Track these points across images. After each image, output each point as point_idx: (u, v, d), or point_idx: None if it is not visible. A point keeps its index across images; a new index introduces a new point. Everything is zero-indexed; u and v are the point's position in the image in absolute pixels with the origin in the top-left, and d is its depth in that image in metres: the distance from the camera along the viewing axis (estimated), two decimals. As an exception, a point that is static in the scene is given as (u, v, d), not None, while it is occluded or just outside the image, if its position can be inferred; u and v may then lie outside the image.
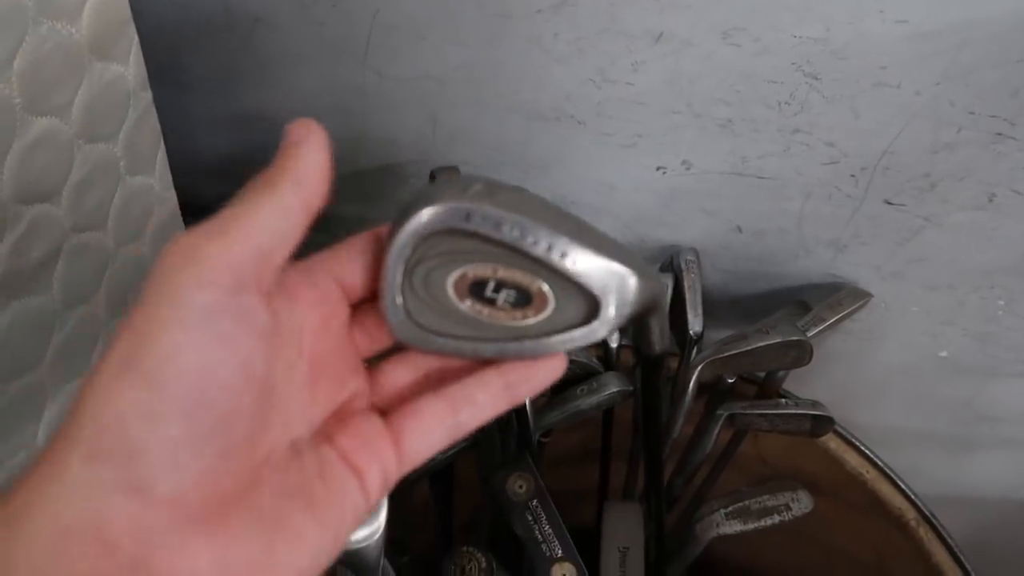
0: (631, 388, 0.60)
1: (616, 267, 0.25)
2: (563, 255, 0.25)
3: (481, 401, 0.25)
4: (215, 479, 0.20)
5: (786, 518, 0.55)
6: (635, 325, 0.29)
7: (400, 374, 0.26)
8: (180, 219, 0.56)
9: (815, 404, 0.57)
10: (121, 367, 0.20)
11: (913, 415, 0.72)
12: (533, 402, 0.58)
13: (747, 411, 0.58)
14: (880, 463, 0.60)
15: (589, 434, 0.76)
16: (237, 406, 0.21)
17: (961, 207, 0.54)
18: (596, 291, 0.25)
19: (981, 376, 0.66)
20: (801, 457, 0.65)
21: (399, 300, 0.25)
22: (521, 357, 0.26)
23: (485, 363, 0.27)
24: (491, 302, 0.26)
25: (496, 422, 0.57)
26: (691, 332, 0.61)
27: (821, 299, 0.61)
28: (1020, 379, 0.65)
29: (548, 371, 0.26)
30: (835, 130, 0.52)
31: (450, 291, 0.25)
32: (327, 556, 0.22)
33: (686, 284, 0.61)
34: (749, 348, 0.55)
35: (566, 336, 0.26)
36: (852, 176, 0.54)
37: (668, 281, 0.62)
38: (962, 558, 0.55)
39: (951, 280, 0.59)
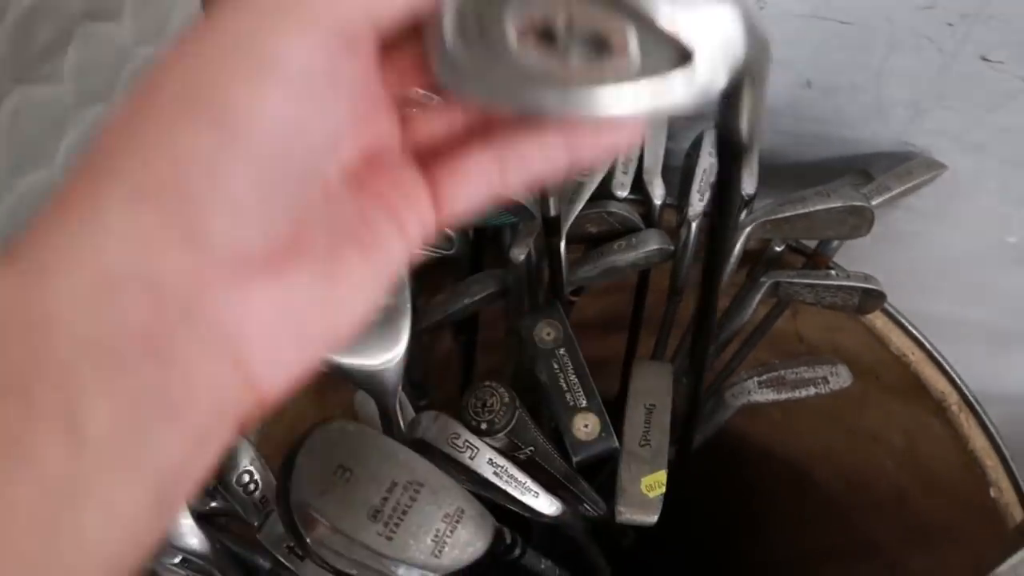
0: (671, 248, 0.57)
1: (721, 9, 0.20)
2: None
3: (533, 156, 0.22)
4: (277, 231, 0.18)
5: (823, 391, 0.53)
6: (724, 100, 0.23)
7: (439, 122, 0.22)
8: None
9: (867, 277, 0.53)
10: (181, 104, 0.17)
11: (966, 305, 0.68)
12: (567, 253, 0.55)
13: (794, 280, 0.54)
14: (928, 345, 0.57)
15: (617, 301, 0.73)
16: (316, 168, 0.19)
17: (1068, 68, 0.48)
18: (687, 40, 0.19)
19: (1048, 267, 0.62)
20: (841, 335, 0.62)
21: (448, 39, 0.20)
22: (590, 116, 0.20)
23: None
24: (563, 51, 0.20)
25: (527, 271, 0.55)
26: (744, 193, 0.56)
27: (888, 170, 0.56)
28: (1091, 272, 0.60)
29: (618, 135, 0.22)
30: (938, -35, 0.45)
31: (511, 36, 0.20)
32: (376, 300, 0.21)
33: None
34: (806, 211, 0.51)
35: (649, 95, 0.20)
36: (949, 25, 0.48)
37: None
38: (1001, 445, 0.53)
39: (1037, 156, 0.54)
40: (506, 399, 0.37)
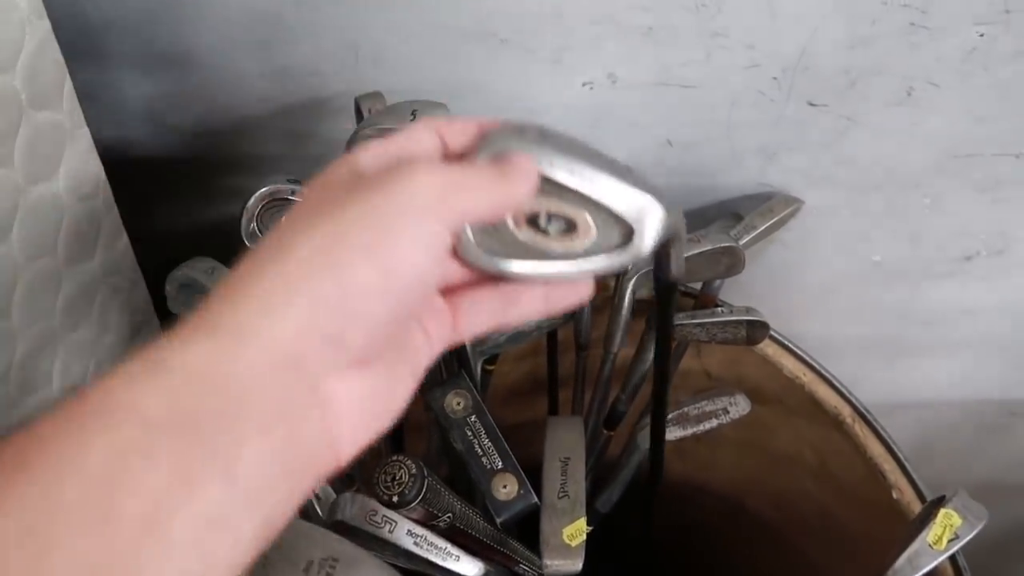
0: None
1: (648, 199, 0.29)
2: (606, 186, 0.29)
3: (524, 303, 0.30)
4: (379, 340, 0.25)
5: (724, 421, 0.56)
6: (657, 254, 0.33)
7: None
8: (96, 157, 0.54)
9: (749, 310, 0.58)
10: (358, 251, 0.24)
11: (850, 323, 0.73)
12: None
13: (684, 322, 0.58)
14: (816, 365, 0.61)
15: (535, 365, 0.76)
16: (417, 301, 0.27)
17: (882, 103, 0.54)
18: (630, 218, 0.30)
19: (914, 279, 0.67)
20: (743, 367, 0.66)
21: (468, 231, 0.29)
22: (566, 279, 0.31)
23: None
24: (544, 231, 0.30)
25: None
26: (626, 248, 0.61)
27: (754, 210, 0.62)
28: (950, 279, 0.66)
29: (578, 291, 0.31)
30: (753, 31, 0.51)
31: (509, 221, 0.30)
32: (411, 391, 0.28)
33: (619, 201, 0.61)
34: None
35: (606, 259, 0.30)
36: (774, 78, 0.54)
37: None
38: (895, 448, 0.57)
39: (878, 181, 0.60)
40: (413, 470, 0.40)
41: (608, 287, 0.64)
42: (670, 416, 0.56)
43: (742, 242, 0.58)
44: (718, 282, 0.62)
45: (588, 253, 0.30)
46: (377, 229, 0.25)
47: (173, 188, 0.72)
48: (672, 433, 0.56)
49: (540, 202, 0.29)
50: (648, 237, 0.30)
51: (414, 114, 0.48)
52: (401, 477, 0.39)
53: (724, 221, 0.63)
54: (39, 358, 0.52)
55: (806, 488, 0.68)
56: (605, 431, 0.64)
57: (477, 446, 0.50)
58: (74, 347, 0.56)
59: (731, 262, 0.57)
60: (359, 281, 0.24)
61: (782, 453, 0.69)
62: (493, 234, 0.30)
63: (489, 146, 0.29)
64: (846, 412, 0.59)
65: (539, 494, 0.51)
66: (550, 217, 0.30)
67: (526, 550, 0.55)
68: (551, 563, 0.49)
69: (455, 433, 0.50)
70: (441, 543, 0.44)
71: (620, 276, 0.62)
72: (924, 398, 0.79)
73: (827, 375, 0.61)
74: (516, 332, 0.59)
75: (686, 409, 0.57)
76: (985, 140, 0.55)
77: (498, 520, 0.49)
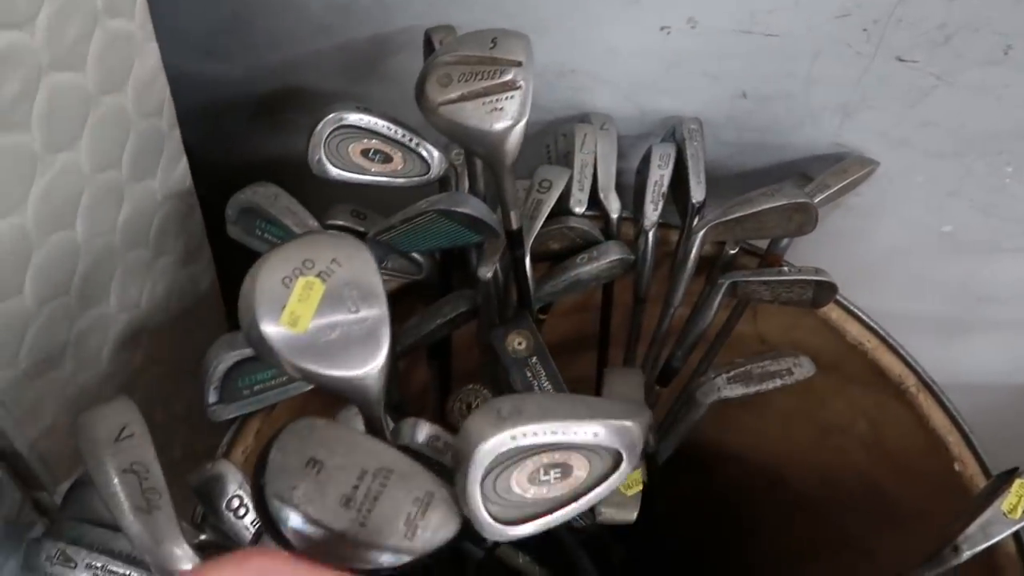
0: (632, 258, 0.59)
1: (627, 424, 0.34)
2: (587, 432, 0.33)
3: None
4: None
5: (788, 381, 0.55)
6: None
7: None
8: (163, 74, 0.53)
9: (818, 271, 0.56)
10: None
11: (911, 297, 0.71)
12: (533, 271, 0.57)
13: (750, 279, 0.57)
14: (881, 332, 0.59)
15: (583, 320, 0.75)
16: None
17: (975, 62, 0.52)
18: (617, 446, 0.34)
19: (983, 252, 0.65)
20: (800, 332, 0.64)
21: (484, 513, 0.33)
22: (581, 511, 0.35)
23: None
24: (546, 483, 0.34)
25: (495, 288, 0.57)
26: (693, 201, 0.59)
27: (824, 172, 0.60)
28: (1021, 254, 0.64)
29: None
30: (849, -24, 0.49)
31: (515, 488, 0.34)
32: None
33: (688, 152, 0.60)
34: (754, 211, 0.54)
35: (607, 484, 0.35)
36: (864, 30, 0.52)
37: (671, 151, 0.61)
38: (960, 420, 0.56)
39: (958, 146, 0.58)
40: (489, 397, 0.39)
41: (669, 242, 0.63)
42: (732, 372, 0.55)
43: (815, 200, 0.56)
44: (785, 241, 0.60)
45: (587, 487, 0.35)
46: None
47: (232, 117, 0.71)
48: (733, 391, 0.55)
49: (533, 462, 0.33)
50: (635, 455, 0.34)
51: (494, 42, 0.46)
52: (477, 405, 0.38)
53: (793, 180, 0.61)
54: (99, 273, 0.52)
55: (856, 461, 0.67)
56: (657, 387, 0.63)
57: (536, 387, 0.49)
58: (131, 267, 0.56)
59: (803, 219, 0.55)
60: None
61: (833, 424, 0.68)
62: (505, 503, 0.34)
63: (467, 445, 0.32)
64: (910, 381, 0.58)
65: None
66: (548, 470, 0.34)
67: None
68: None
69: (515, 373, 0.50)
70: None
71: (685, 228, 0.61)
72: (980, 380, 0.77)
73: (892, 342, 0.59)
74: (574, 280, 0.58)
75: (748, 367, 0.55)
76: (1080, 106, 0.53)
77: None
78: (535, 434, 0.32)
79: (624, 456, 0.34)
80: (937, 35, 0.51)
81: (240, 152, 0.77)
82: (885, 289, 0.71)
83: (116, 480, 0.37)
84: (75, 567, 0.43)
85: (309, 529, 0.32)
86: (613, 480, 0.35)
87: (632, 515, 0.48)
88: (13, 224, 0.42)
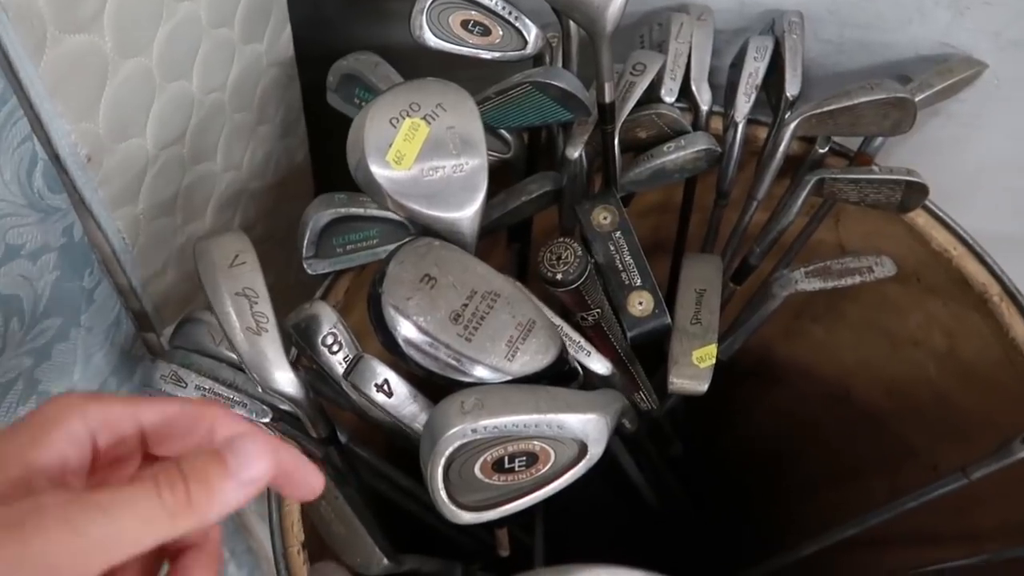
0: (719, 150, 0.59)
1: (589, 417, 0.36)
2: (548, 425, 0.35)
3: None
4: None
5: (867, 279, 0.55)
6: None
7: None
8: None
9: (910, 171, 0.55)
10: None
11: (1006, 217, 0.70)
12: (622, 156, 0.57)
13: (838, 176, 0.56)
14: (968, 239, 0.58)
15: (661, 222, 0.76)
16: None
17: (1106, -45, 0.49)
18: (580, 437, 0.36)
19: (1087, 170, 0.63)
20: (882, 240, 0.64)
21: (444, 496, 0.35)
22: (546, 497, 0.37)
23: None
24: (511, 471, 0.36)
25: (581, 168, 0.57)
26: (788, 94, 0.59)
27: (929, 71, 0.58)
28: None
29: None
30: None
31: (479, 475, 0.36)
32: None
33: (787, 45, 0.59)
34: (850, 103, 0.53)
35: (572, 472, 0.37)
36: (989, -84, 0.50)
37: (768, 43, 0.60)
38: (1043, 329, 0.55)
39: (1077, 51, 0.55)
40: (579, 252, 0.40)
41: (757, 139, 0.62)
42: (811, 267, 0.55)
43: (917, 98, 0.55)
44: (878, 142, 0.59)
45: (553, 475, 0.37)
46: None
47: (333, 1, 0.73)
48: (811, 284, 0.55)
49: (500, 449, 0.35)
50: (600, 444, 0.36)
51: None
52: (567, 257, 0.40)
53: (894, 80, 0.60)
54: (209, 129, 0.55)
55: (927, 375, 0.67)
56: (732, 284, 0.64)
57: (619, 261, 0.51)
58: (236, 128, 0.59)
59: (900, 117, 0.54)
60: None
61: (907, 336, 0.68)
62: (470, 490, 0.36)
63: (432, 433, 0.35)
64: (994, 291, 0.57)
65: (672, 321, 0.51)
66: (513, 458, 0.36)
67: (647, 378, 0.56)
68: (677, 381, 0.50)
69: (597, 246, 0.51)
70: (575, 336, 0.46)
71: (776, 122, 0.60)
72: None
73: (979, 249, 0.58)
74: (659, 169, 0.58)
75: (828, 263, 0.55)
76: None
77: (629, 334, 0.50)
78: (496, 428, 0.34)
79: (589, 446, 0.36)
80: (1068, -77, 0.49)
81: (340, 36, 0.78)
82: (980, 205, 0.69)
83: (229, 301, 0.41)
84: (185, 387, 0.47)
85: (419, 338, 0.35)
86: (579, 468, 0.37)
87: (704, 386, 0.49)
88: (141, 64, 0.45)
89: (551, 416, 0.35)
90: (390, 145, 0.38)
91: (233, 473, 0.25)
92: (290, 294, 0.67)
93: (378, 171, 0.38)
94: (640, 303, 0.50)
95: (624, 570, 0.36)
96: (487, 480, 0.36)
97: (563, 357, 0.39)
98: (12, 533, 0.22)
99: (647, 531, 0.79)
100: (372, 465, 0.55)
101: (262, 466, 0.25)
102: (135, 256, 0.52)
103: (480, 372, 0.37)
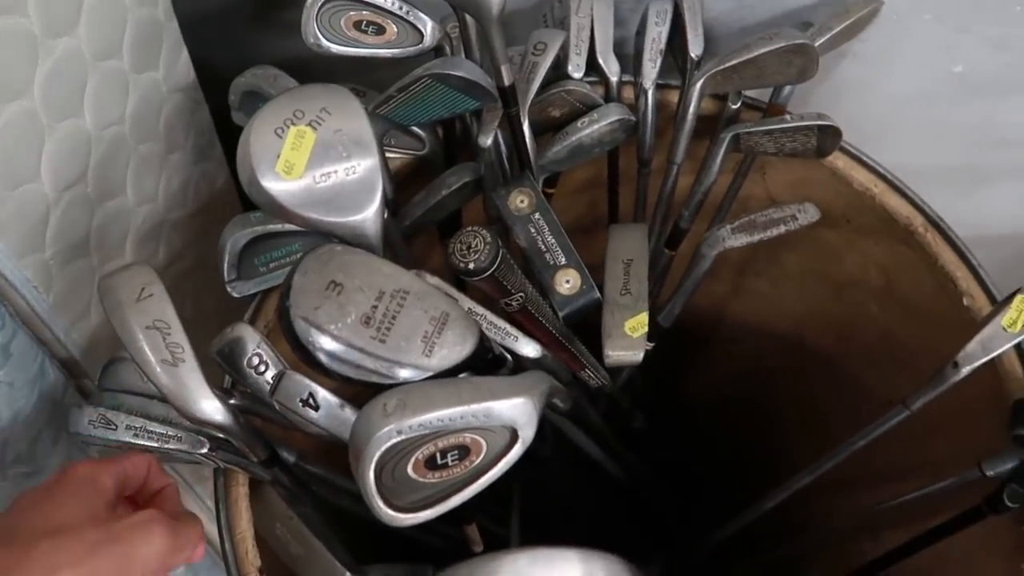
0: (633, 119, 0.59)
1: (515, 402, 0.36)
2: (475, 415, 0.35)
3: None
4: None
5: (792, 227, 0.55)
6: None
7: None
8: (153, -40, 0.54)
9: (820, 115, 0.55)
10: None
11: (926, 148, 0.70)
12: (535, 143, 0.57)
13: (752, 129, 0.56)
14: (888, 175, 0.59)
15: (592, 199, 0.76)
16: None
17: None
18: (509, 423, 0.36)
19: (997, 93, 0.64)
20: (809, 187, 0.64)
21: (380, 502, 0.35)
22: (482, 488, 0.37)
23: None
24: (444, 466, 0.36)
25: (497, 154, 0.57)
26: (692, 55, 0.59)
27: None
28: (1037, 91, 0.62)
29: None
30: None
31: (413, 475, 0.35)
32: None
33: (685, 6, 0.59)
34: (752, 55, 0.53)
35: (507, 460, 0.36)
36: None
37: (667, 7, 0.60)
38: (967, 254, 0.55)
39: (967, -24, 0.56)
40: (488, 239, 0.40)
41: (670, 104, 0.62)
42: (736, 223, 0.55)
43: (817, 43, 0.55)
44: (787, 90, 0.60)
45: (488, 465, 0.36)
46: None
47: (233, 21, 0.71)
48: (738, 239, 0.55)
49: (430, 446, 0.35)
50: (530, 427, 0.36)
51: None
52: (476, 245, 0.39)
53: (795, 28, 0.60)
54: (113, 164, 0.54)
55: (870, 313, 0.68)
56: (667, 250, 0.64)
57: (541, 242, 0.50)
58: (144, 160, 0.57)
59: (804, 63, 0.55)
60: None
61: (847, 278, 0.68)
62: (406, 491, 0.35)
63: (358, 438, 0.35)
64: (918, 222, 0.57)
65: (602, 295, 0.51)
66: (444, 453, 0.35)
67: (591, 354, 0.56)
68: (612, 353, 0.50)
69: (518, 230, 0.51)
70: (500, 323, 0.45)
71: (684, 84, 0.60)
72: (1004, 232, 0.76)
73: (899, 184, 0.59)
74: (576, 145, 0.58)
75: (753, 217, 0.55)
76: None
77: (560, 314, 0.50)
78: (421, 425, 0.34)
79: (519, 430, 0.36)
80: None
81: (246, 56, 0.77)
82: (897, 141, 0.69)
83: (141, 336, 0.40)
84: (116, 429, 0.46)
85: (332, 346, 0.34)
86: (512, 455, 0.36)
87: (639, 356, 0.49)
88: (23, 107, 0.44)
89: (476, 406, 0.35)
90: (278, 156, 0.37)
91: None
92: (233, 318, 0.66)
93: (270, 184, 0.37)
94: (567, 281, 0.50)
95: (549, 549, 0.36)
96: (421, 479, 0.36)
97: (484, 345, 0.39)
98: (141, 535, 0.38)
99: (620, 509, 0.79)
100: (327, 480, 0.55)
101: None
102: (52, 304, 0.51)
103: (400, 372, 0.36)
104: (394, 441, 0.34)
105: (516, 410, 0.36)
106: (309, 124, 0.38)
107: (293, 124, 0.38)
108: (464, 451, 0.36)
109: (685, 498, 0.83)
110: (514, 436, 0.36)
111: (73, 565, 0.35)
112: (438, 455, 0.35)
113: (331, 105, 0.39)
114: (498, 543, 0.69)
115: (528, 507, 0.73)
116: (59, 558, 0.35)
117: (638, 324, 0.50)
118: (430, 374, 0.36)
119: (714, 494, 0.85)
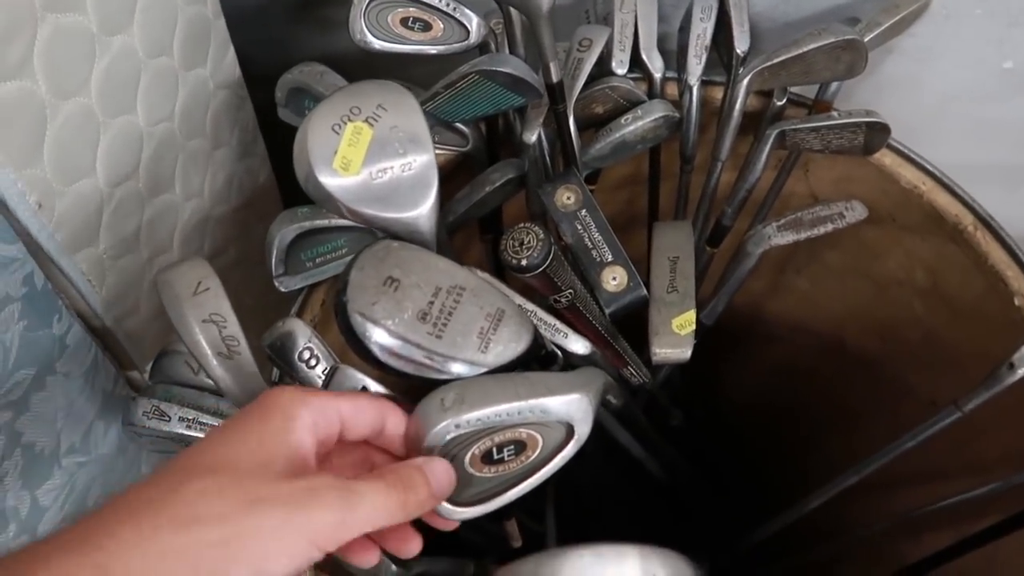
0: (677, 116, 0.59)
1: (571, 398, 0.36)
2: (532, 411, 0.35)
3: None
4: None
5: (840, 225, 0.54)
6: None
7: None
8: (204, -43, 0.54)
9: (869, 112, 0.55)
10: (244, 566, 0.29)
11: (974, 146, 0.69)
12: (579, 138, 0.57)
13: (798, 127, 0.56)
14: (937, 172, 0.58)
15: (632, 196, 0.75)
16: None
17: None
18: (565, 419, 0.36)
19: (1048, 89, 0.63)
20: (853, 185, 0.63)
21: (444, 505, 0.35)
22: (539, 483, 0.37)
23: None
24: (500, 461, 0.36)
25: (540, 152, 0.57)
26: (738, 51, 0.58)
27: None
28: (1090, 87, 0.61)
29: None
30: None
31: (470, 470, 0.35)
32: None
33: (731, 2, 0.58)
34: (800, 51, 0.53)
35: (562, 455, 0.37)
36: None
37: (712, 3, 0.59)
38: (1019, 253, 0.55)
39: (1020, -30, 0.55)
40: (541, 236, 0.40)
41: (715, 100, 0.62)
42: (783, 220, 0.55)
43: (865, 39, 0.54)
44: (834, 87, 0.59)
45: (543, 460, 0.36)
46: (271, 546, 0.29)
47: (279, 18, 0.72)
48: (784, 237, 0.54)
49: (487, 441, 0.35)
50: (586, 423, 0.36)
51: None
52: (529, 242, 0.39)
53: (843, 21, 0.59)
54: (162, 160, 0.55)
55: (914, 313, 0.67)
56: (709, 248, 0.63)
57: (587, 239, 0.50)
58: (191, 156, 0.58)
59: (852, 59, 0.54)
60: None
61: (890, 277, 0.67)
62: (463, 485, 0.35)
63: (415, 429, 0.35)
64: (967, 220, 0.57)
65: (648, 292, 0.51)
66: (501, 448, 0.35)
67: (636, 354, 0.56)
68: (660, 351, 0.49)
69: (565, 227, 0.51)
70: (550, 319, 0.45)
71: (730, 80, 0.60)
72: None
73: (948, 182, 0.58)
74: (620, 142, 0.58)
75: (799, 214, 0.55)
76: None
77: (607, 311, 0.50)
78: (479, 420, 0.34)
79: (575, 427, 0.36)
80: None
81: (289, 53, 0.78)
82: (946, 138, 0.68)
83: (197, 329, 0.40)
84: (169, 420, 0.47)
85: (389, 341, 0.35)
86: (568, 450, 0.36)
87: (687, 353, 0.49)
88: (80, 103, 0.45)
89: (533, 402, 0.35)
90: (335, 152, 0.37)
91: (431, 490, 0.33)
92: (272, 313, 0.67)
93: (327, 180, 0.38)
94: (614, 278, 0.50)
95: (611, 546, 0.36)
96: (478, 474, 0.36)
97: (538, 342, 0.39)
98: (300, 505, 0.29)
99: (658, 506, 0.79)
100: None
101: (447, 478, 0.34)
102: (104, 297, 0.51)
103: (456, 368, 0.37)
104: (452, 436, 0.35)
105: (572, 406, 0.36)
106: (366, 120, 0.38)
107: (350, 120, 0.38)
108: (520, 446, 0.36)
109: (722, 497, 0.83)
110: (570, 432, 0.37)
111: (218, 520, 0.28)
112: (495, 449, 0.36)
113: (387, 102, 0.39)
114: (535, 539, 0.69)
115: (563, 503, 0.73)
116: (203, 507, 0.28)
117: (686, 321, 0.49)
118: (485, 370, 0.36)
119: (748, 493, 0.84)
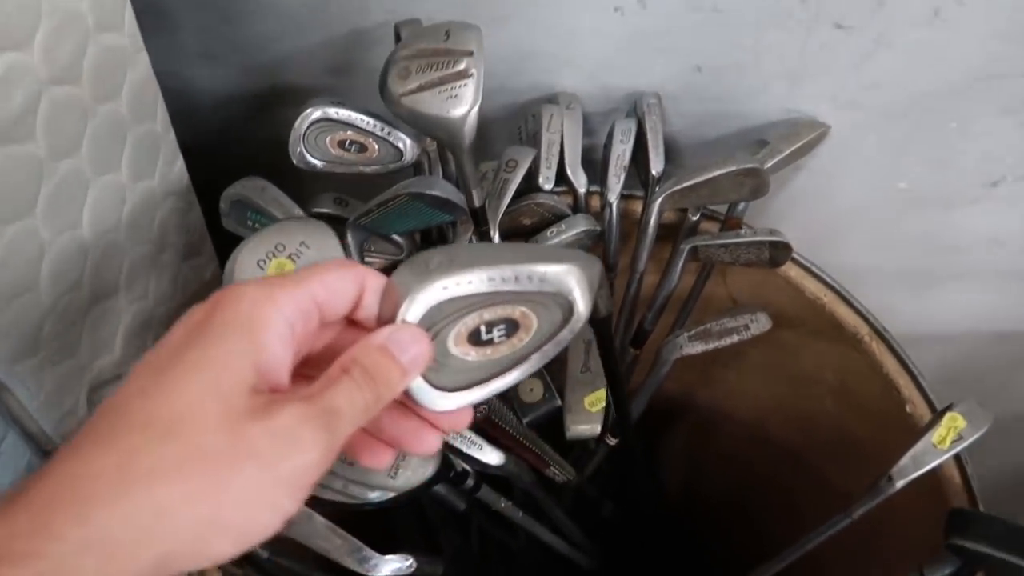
0: (598, 228, 0.63)
1: (568, 267, 0.31)
2: (530, 277, 0.30)
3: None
4: None
5: (744, 336, 0.59)
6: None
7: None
8: (154, 80, 0.58)
9: (772, 231, 0.60)
10: (224, 530, 0.26)
11: (876, 252, 0.75)
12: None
13: (709, 243, 0.61)
14: (836, 286, 0.63)
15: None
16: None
17: (909, 24, 0.55)
18: (564, 293, 0.31)
19: (940, 205, 0.68)
20: (768, 290, 0.68)
21: (421, 379, 0.30)
22: (532, 371, 0.32)
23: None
24: (489, 342, 0.31)
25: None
26: (653, 172, 0.63)
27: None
28: (976, 205, 0.67)
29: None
30: (781, -48, 0.52)
31: (454, 350, 0.30)
32: None
33: (648, 126, 0.63)
34: (706, 177, 0.58)
35: (558, 339, 0.32)
36: (803, 0, 0.55)
37: (631, 126, 0.64)
38: (909, 364, 0.59)
39: (904, 106, 0.61)
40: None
41: (634, 212, 0.67)
42: (693, 332, 0.59)
43: (767, 165, 0.60)
44: (743, 205, 0.64)
45: (536, 344, 0.31)
46: (253, 504, 0.25)
47: (226, 116, 0.76)
48: (694, 347, 0.59)
49: (475, 318, 0.30)
50: (585, 301, 0.31)
51: (447, 35, 0.50)
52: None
53: (751, 146, 0.64)
54: (107, 268, 0.57)
55: (826, 408, 0.71)
56: (632, 349, 0.67)
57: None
58: (137, 261, 0.61)
59: (755, 184, 0.59)
60: (214, 552, 0.25)
61: (805, 375, 0.72)
62: (444, 369, 0.30)
63: (406, 308, 0.29)
64: (864, 331, 0.61)
65: (563, 375, 0.55)
66: (490, 327, 0.30)
67: (556, 453, 0.59)
68: (573, 427, 0.53)
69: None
70: (466, 432, 0.48)
71: (647, 198, 0.65)
72: (950, 331, 0.80)
73: (847, 295, 0.63)
74: (547, 252, 0.62)
75: (708, 325, 0.59)
76: (1012, 61, 0.56)
77: (524, 420, 0.53)
78: (469, 282, 0.29)
79: (574, 303, 0.31)
80: (871, 0, 0.54)
81: (236, 148, 0.81)
82: (851, 246, 0.74)
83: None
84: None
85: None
86: (564, 335, 0.31)
87: (597, 429, 0.52)
88: (25, 226, 0.47)
89: (529, 267, 0.30)
90: (260, 287, 0.40)
91: (403, 367, 0.29)
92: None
93: (251, 311, 0.41)
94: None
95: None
96: (463, 356, 0.31)
97: (447, 463, 0.42)
98: (281, 457, 0.25)
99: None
100: (299, 574, 0.57)
101: (417, 348, 0.29)
102: (42, 401, 0.53)
103: (369, 495, 0.39)
104: (440, 300, 0.29)
105: (572, 277, 0.31)
106: (289, 257, 0.41)
107: (275, 256, 0.41)
108: (512, 326, 0.31)
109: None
110: (567, 312, 0.31)
111: (187, 502, 0.24)
112: (483, 328, 0.31)
113: (310, 239, 0.42)
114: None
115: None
116: (165, 488, 0.23)
117: (597, 399, 0.53)
118: (394, 495, 0.39)
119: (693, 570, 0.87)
